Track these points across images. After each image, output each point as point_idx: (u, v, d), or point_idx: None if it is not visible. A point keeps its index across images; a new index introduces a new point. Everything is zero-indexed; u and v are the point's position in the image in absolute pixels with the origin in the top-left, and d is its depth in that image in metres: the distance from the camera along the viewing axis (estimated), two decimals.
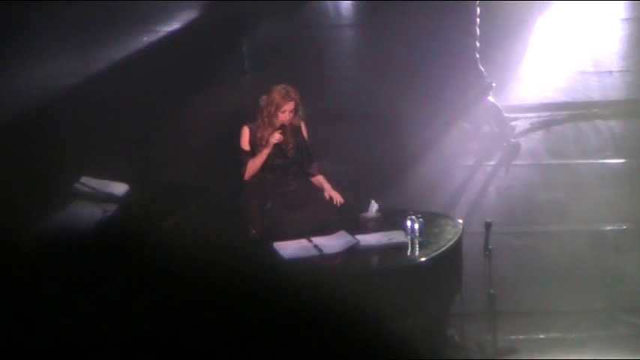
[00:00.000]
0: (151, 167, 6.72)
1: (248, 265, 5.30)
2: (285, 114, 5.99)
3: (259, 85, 6.24)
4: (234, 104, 6.64)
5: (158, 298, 4.96)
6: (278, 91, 5.99)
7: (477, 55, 6.80)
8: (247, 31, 6.91)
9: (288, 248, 5.53)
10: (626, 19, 6.76)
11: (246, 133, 6.08)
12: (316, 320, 5.01)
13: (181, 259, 5.08)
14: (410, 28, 6.73)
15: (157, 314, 4.90)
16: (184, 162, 6.76)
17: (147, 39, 6.73)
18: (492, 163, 7.01)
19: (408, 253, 5.55)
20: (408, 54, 6.74)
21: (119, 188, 5.72)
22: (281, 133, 5.97)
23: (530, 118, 6.95)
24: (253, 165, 6.02)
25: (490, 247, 6.06)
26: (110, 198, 5.58)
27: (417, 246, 5.58)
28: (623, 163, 6.91)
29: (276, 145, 6.00)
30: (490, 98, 6.87)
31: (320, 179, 6.20)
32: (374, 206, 5.98)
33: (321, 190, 6.14)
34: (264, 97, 6.03)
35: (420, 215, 5.68)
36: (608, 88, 6.86)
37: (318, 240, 5.62)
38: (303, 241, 5.62)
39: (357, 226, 5.87)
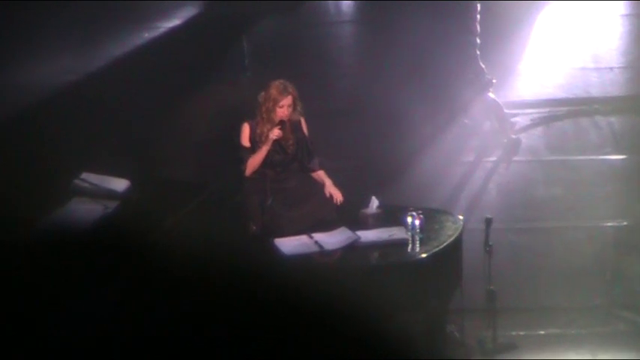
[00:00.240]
0: (151, 164, 6.71)
1: (248, 262, 5.30)
2: (284, 109, 5.98)
3: (259, 82, 6.23)
4: (235, 101, 6.63)
5: (158, 297, 4.95)
6: (275, 86, 5.97)
7: (478, 52, 6.80)
8: (248, 29, 6.91)
9: (289, 244, 5.52)
10: (626, 15, 6.77)
11: (246, 129, 6.06)
12: (317, 316, 5.01)
13: (181, 256, 5.07)
14: (410, 25, 6.72)
15: (157, 313, 4.90)
16: (184, 159, 6.77)
17: (147, 35, 6.73)
18: (493, 159, 7.01)
19: (409, 250, 5.54)
20: (408, 51, 6.73)
21: (120, 184, 5.69)
22: (280, 129, 5.94)
23: (531, 114, 6.96)
24: (253, 161, 6.01)
25: (490, 243, 6.05)
26: (111, 194, 5.56)
27: (418, 242, 5.57)
28: (623, 159, 6.91)
29: (276, 142, 5.97)
30: (490, 94, 6.88)
31: (321, 174, 6.18)
32: (374, 202, 5.99)
33: (321, 186, 6.13)
34: (263, 93, 6.02)
35: (420, 211, 5.67)
36: (608, 84, 6.86)
37: (319, 236, 5.61)
38: (304, 238, 5.62)
39: (358, 222, 5.87)
